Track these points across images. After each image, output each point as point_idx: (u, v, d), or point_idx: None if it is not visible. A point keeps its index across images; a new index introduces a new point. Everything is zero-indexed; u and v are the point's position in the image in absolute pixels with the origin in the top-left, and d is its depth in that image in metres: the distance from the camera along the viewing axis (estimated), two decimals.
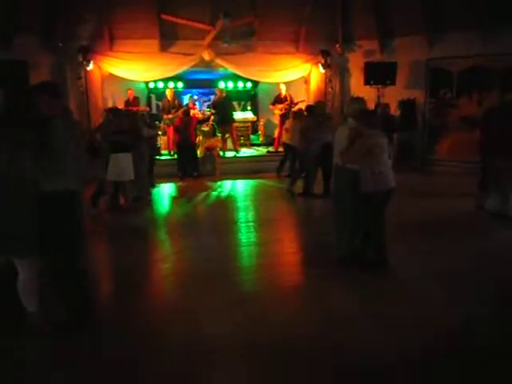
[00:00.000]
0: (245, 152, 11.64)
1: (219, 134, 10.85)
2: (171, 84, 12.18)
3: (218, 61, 10.74)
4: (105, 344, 3.20)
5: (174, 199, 8.48)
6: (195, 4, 10.23)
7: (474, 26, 9.64)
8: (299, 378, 2.82)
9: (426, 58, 10.60)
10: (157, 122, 11.62)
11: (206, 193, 8.71)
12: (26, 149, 2.92)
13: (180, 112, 10.36)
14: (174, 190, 9.16)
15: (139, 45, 10.57)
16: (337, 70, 11.53)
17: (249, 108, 13.16)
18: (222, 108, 10.94)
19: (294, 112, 9.35)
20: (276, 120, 11.49)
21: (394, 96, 10.50)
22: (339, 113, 10.81)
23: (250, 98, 13.55)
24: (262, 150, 11.87)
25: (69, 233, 3.21)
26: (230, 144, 11.40)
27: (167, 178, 9.74)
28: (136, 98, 10.92)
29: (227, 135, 11.25)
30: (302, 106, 9.89)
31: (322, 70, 11.34)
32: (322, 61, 11.15)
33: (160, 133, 11.24)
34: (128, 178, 6.93)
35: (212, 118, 11.48)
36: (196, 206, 7.84)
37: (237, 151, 11.30)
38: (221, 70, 11.71)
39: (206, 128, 10.60)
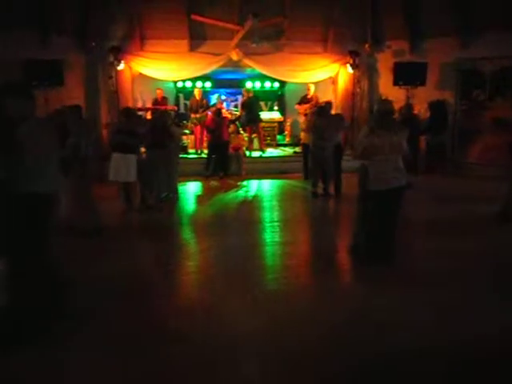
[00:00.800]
0: (271, 152, 11.67)
1: (242, 133, 10.89)
2: (199, 84, 12.33)
3: (246, 61, 10.81)
4: (121, 338, 3.26)
5: (200, 198, 8.58)
6: (224, 4, 10.35)
7: (507, 27, 9.40)
8: (324, 376, 2.84)
9: (457, 58, 10.40)
10: (184, 121, 11.80)
11: (231, 192, 8.78)
12: None
13: (210, 112, 10.48)
14: (200, 189, 9.26)
15: (169, 45, 10.74)
16: (365, 70, 11.41)
17: (275, 108, 13.18)
18: (250, 108, 11.01)
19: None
20: (302, 120, 11.47)
21: (423, 97, 10.32)
22: (367, 113, 10.71)
23: (277, 98, 13.58)
24: (289, 151, 11.87)
25: (33, 235, 3.16)
26: (256, 144, 11.44)
27: (194, 176, 9.87)
28: (164, 98, 11.09)
29: (254, 135, 11.30)
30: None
31: (350, 71, 11.25)
32: (351, 61, 11.07)
33: (187, 132, 11.41)
34: (126, 180, 6.78)
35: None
36: (221, 205, 7.91)
37: (263, 151, 11.34)
38: (248, 70, 11.77)
39: (230, 128, 10.66)
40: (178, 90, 12.90)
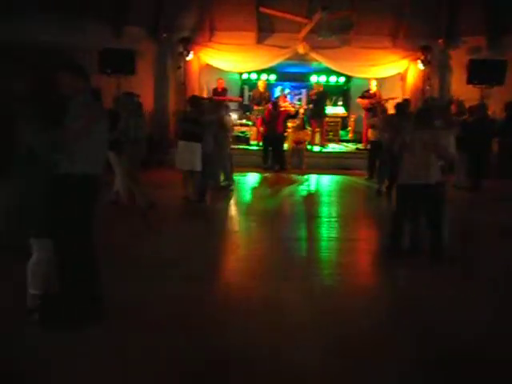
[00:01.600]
0: (333, 147, 11.52)
1: (308, 128, 10.82)
2: (264, 76, 12.37)
3: (313, 54, 10.71)
4: (175, 327, 3.33)
5: (256, 190, 8.63)
6: None
7: None
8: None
9: None
10: (247, 113, 11.92)
11: (289, 186, 8.77)
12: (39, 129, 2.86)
13: (269, 104, 10.51)
14: (258, 181, 9.31)
15: (237, 36, 10.87)
16: (437, 67, 10.93)
17: (340, 103, 12.96)
18: (318, 102, 10.89)
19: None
20: (364, 115, 11.21)
21: (499, 98, 9.72)
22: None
23: (342, 93, 13.33)
24: (351, 147, 11.66)
25: (78, 219, 3.09)
26: (317, 139, 11.34)
27: (254, 167, 9.94)
28: (224, 89, 11.22)
29: (317, 129, 11.19)
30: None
31: (420, 67, 10.82)
32: (422, 57, 10.64)
33: (250, 123, 11.52)
34: (189, 168, 6.74)
35: (301, 111, 11.50)
36: (278, 198, 7.93)
37: (323, 146, 11.22)
38: (314, 64, 11.66)
39: (295, 122, 10.61)
40: (243, 82, 13.03)
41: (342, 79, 12.92)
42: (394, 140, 5.41)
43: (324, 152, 11.05)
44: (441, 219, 4.62)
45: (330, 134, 12.00)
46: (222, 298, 3.82)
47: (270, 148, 10.06)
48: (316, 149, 11.12)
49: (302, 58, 11.06)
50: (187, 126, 6.74)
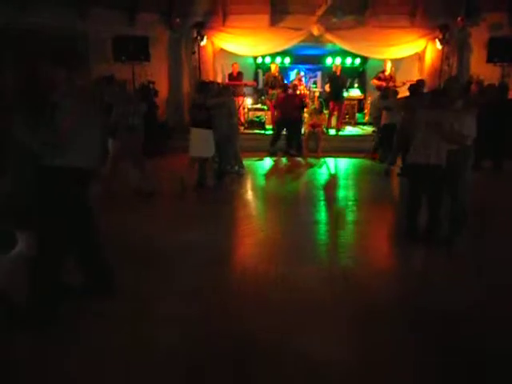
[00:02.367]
0: (350, 131, 11.40)
1: (326, 111, 10.68)
2: (278, 59, 12.24)
3: (328, 36, 10.54)
4: (195, 311, 3.37)
5: (272, 174, 8.60)
6: None
7: None
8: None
9: None
10: (262, 97, 11.85)
11: (305, 170, 8.75)
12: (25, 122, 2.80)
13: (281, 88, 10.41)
14: (273, 166, 9.23)
15: (250, 20, 10.75)
16: (456, 46, 10.66)
17: (356, 85, 12.77)
18: (336, 84, 10.76)
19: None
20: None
21: None
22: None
23: (358, 75, 13.12)
24: (368, 129, 11.51)
25: (63, 213, 3.00)
26: (333, 122, 11.22)
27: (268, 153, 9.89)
28: (240, 73, 11.16)
29: (335, 112, 11.07)
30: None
31: (438, 46, 10.58)
32: (440, 36, 10.39)
33: (265, 107, 11.45)
34: (198, 155, 6.70)
35: (317, 95, 11.38)
36: (294, 182, 7.92)
37: (339, 129, 11.11)
38: (329, 46, 11.48)
39: (312, 105, 10.48)
40: (258, 66, 12.93)
41: (358, 61, 12.71)
42: (410, 121, 5.39)
43: (340, 135, 10.94)
44: (438, 201, 4.54)
45: (347, 116, 11.87)
46: (239, 281, 3.86)
47: (283, 132, 9.88)
48: (332, 132, 11.02)
49: (316, 40, 10.88)
50: (194, 113, 6.70)
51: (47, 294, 3.02)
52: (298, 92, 10.20)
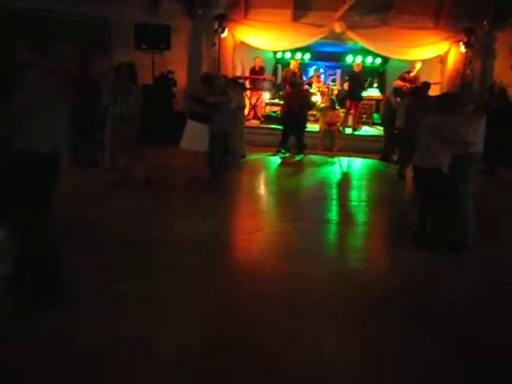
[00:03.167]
0: (366, 131, 11.31)
1: (338, 108, 10.58)
2: (298, 55, 12.15)
3: (350, 34, 10.44)
4: (203, 309, 3.40)
5: (283, 170, 8.57)
6: None
7: None
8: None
9: None
10: (280, 92, 11.81)
11: (315, 168, 8.70)
12: None
13: (305, 84, 10.36)
14: (279, 162, 9.12)
15: (272, 14, 10.69)
16: (480, 50, 10.46)
17: (375, 85, 12.63)
18: (355, 83, 10.67)
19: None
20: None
21: None
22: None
23: (378, 75, 12.97)
24: None
25: (28, 199, 2.89)
26: (350, 121, 11.14)
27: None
28: (262, 68, 11.14)
29: (352, 111, 10.98)
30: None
31: (462, 50, 10.39)
32: (465, 39, 10.19)
33: (282, 103, 11.39)
34: (191, 148, 6.54)
35: (335, 93, 11.30)
36: (303, 179, 7.92)
37: (356, 129, 11.02)
38: (350, 44, 11.37)
39: (324, 103, 10.40)
40: (277, 61, 12.87)
41: (379, 60, 12.55)
42: (413, 124, 5.40)
43: (356, 135, 10.86)
44: (442, 205, 4.48)
45: (364, 116, 11.77)
46: (243, 276, 3.87)
47: (288, 129, 9.63)
48: (348, 131, 10.94)
49: (337, 38, 10.79)
50: (193, 105, 6.54)
51: (49, 272, 3.01)
52: (311, 89, 10.07)
